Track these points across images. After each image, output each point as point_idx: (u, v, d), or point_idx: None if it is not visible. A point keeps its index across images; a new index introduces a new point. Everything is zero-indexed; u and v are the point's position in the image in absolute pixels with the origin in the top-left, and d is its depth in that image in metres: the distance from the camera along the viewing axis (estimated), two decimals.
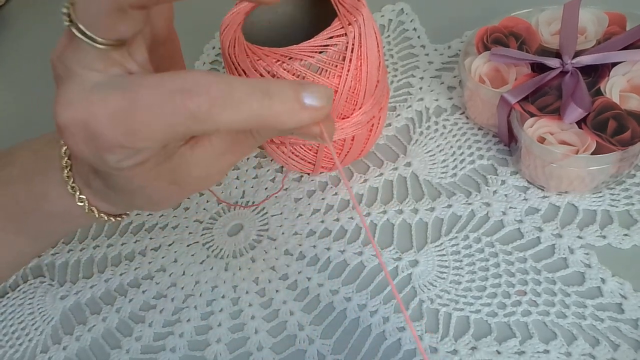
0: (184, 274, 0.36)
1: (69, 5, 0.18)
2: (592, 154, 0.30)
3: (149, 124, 0.18)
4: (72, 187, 0.25)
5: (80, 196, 0.26)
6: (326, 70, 0.30)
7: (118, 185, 0.23)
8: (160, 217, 0.40)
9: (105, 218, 0.27)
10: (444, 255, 0.33)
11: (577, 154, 0.30)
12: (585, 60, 0.33)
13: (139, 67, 0.20)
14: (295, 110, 0.18)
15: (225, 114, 0.18)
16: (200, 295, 0.35)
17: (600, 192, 0.33)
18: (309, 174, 0.39)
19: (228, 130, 0.18)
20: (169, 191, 0.23)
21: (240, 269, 0.35)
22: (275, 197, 0.38)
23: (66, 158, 0.25)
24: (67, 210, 0.26)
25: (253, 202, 0.38)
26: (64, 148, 0.25)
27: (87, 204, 0.26)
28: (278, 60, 0.29)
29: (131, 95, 0.18)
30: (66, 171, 0.25)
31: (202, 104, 0.17)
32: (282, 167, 0.40)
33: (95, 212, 0.26)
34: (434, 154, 0.38)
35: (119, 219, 0.28)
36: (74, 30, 0.18)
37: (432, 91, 0.41)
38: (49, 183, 0.26)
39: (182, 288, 0.35)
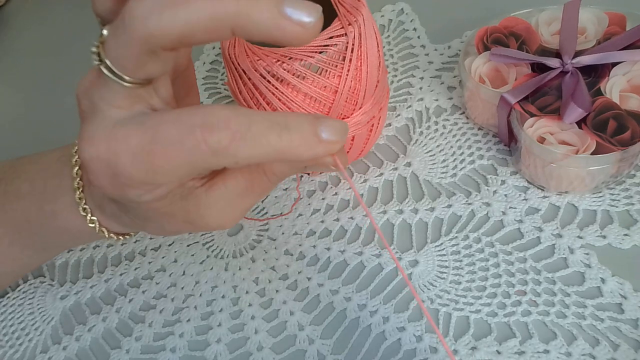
0: (184, 274, 0.36)
1: (98, 44, 0.18)
2: (592, 154, 0.30)
3: (169, 160, 0.18)
4: (84, 209, 0.25)
5: (92, 217, 0.26)
6: (326, 70, 0.30)
7: (134, 213, 0.23)
8: None
9: (115, 238, 0.27)
10: (444, 255, 0.33)
11: (577, 154, 0.30)
12: (585, 60, 0.33)
13: (163, 102, 0.21)
14: (313, 144, 0.18)
15: (245, 148, 0.18)
16: (200, 295, 0.35)
17: (600, 192, 0.33)
18: (309, 174, 0.39)
19: (247, 163, 0.18)
20: (181, 227, 0.23)
21: (240, 269, 0.35)
22: (275, 197, 0.38)
23: (78, 179, 0.25)
24: (77, 229, 0.26)
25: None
26: (76, 168, 0.25)
27: (97, 225, 0.26)
28: (278, 60, 0.29)
29: (152, 132, 0.18)
30: (78, 192, 0.25)
31: (222, 138, 0.17)
32: None
33: (106, 232, 0.27)
34: (434, 154, 0.38)
35: (128, 237, 0.28)
36: (103, 69, 0.18)
37: (432, 91, 0.41)
38: (60, 202, 0.26)
39: (182, 288, 0.35)
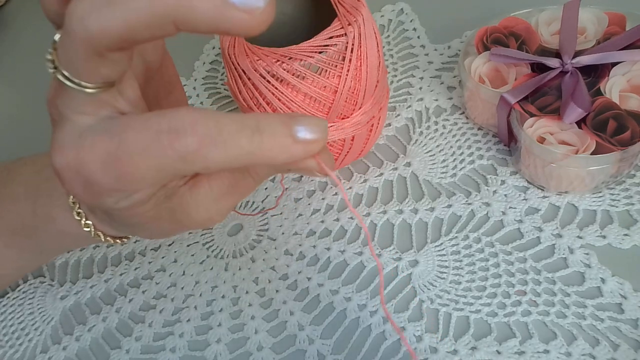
0: (183, 274, 0.36)
1: (52, 51, 0.17)
2: (592, 154, 0.30)
3: (137, 168, 0.17)
4: (78, 213, 0.25)
5: (87, 222, 0.25)
6: (326, 71, 0.30)
7: (120, 220, 0.22)
8: None
9: (112, 241, 0.27)
10: (443, 255, 0.33)
11: (576, 154, 0.30)
12: (585, 60, 0.33)
13: (130, 105, 0.20)
14: (287, 145, 0.17)
15: (215, 153, 0.17)
16: (200, 295, 0.35)
17: (600, 192, 0.33)
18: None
19: (219, 169, 0.18)
20: (170, 229, 0.23)
21: (240, 269, 0.35)
22: (275, 197, 0.38)
23: None
24: (73, 232, 0.26)
25: (253, 203, 0.38)
26: None
27: (93, 229, 0.26)
28: (278, 61, 0.29)
29: (118, 139, 0.17)
30: (71, 196, 0.25)
31: (189, 144, 0.17)
32: None
33: (102, 236, 0.26)
34: (434, 154, 0.38)
35: (126, 239, 0.28)
36: (59, 76, 0.17)
37: (432, 91, 0.41)
38: (54, 206, 0.26)
39: (182, 288, 0.35)
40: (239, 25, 0.15)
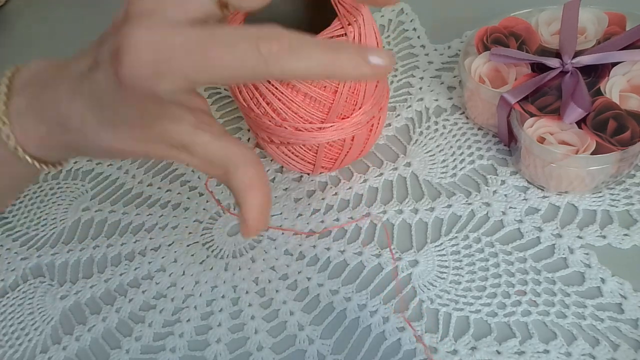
0: (183, 274, 0.36)
1: None
2: (592, 154, 0.30)
3: (222, 59, 0.19)
4: (4, 123, 0.24)
5: (10, 133, 0.24)
6: None
7: (121, 109, 0.22)
8: (160, 217, 0.40)
9: (37, 165, 0.26)
10: (443, 255, 0.33)
11: (577, 154, 0.30)
12: (585, 60, 0.33)
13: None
14: (361, 64, 0.20)
15: (293, 61, 0.19)
16: (200, 295, 0.35)
17: (600, 192, 0.33)
18: (308, 174, 0.39)
19: (293, 76, 0.20)
20: (136, 140, 0.23)
21: (240, 269, 0.35)
22: (275, 197, 0.38)
23: (2, 95, 0.25)
24: None
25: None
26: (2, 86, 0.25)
27: (14, 141, 0.25)
28: None
29: (211, 31, 0.19)
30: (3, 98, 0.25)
31: (273, 47, 0.19)
32: (282, 167, 0.40)
33: (20, 150, 0.25)
34: (434, 154, 0.38)
35: (45, 167, 0.27)
36: None
37: (432, 91, 0.41)
38: None
39: (182, 288, 0.35)
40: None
